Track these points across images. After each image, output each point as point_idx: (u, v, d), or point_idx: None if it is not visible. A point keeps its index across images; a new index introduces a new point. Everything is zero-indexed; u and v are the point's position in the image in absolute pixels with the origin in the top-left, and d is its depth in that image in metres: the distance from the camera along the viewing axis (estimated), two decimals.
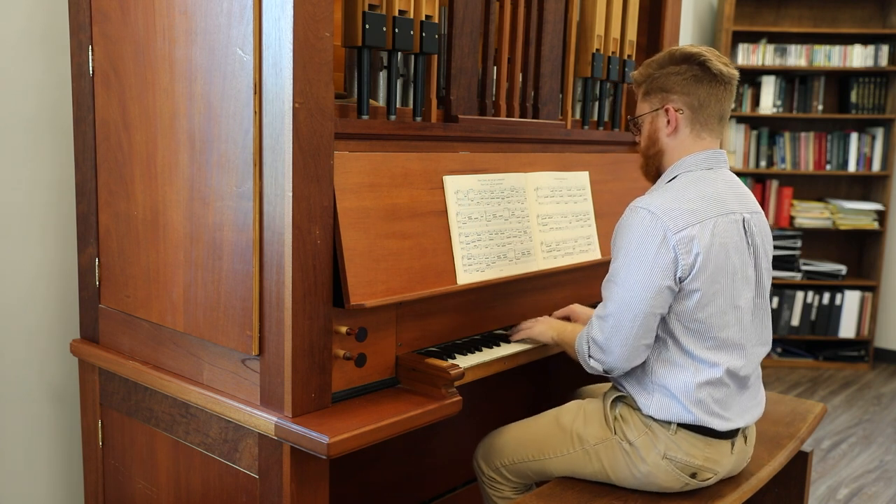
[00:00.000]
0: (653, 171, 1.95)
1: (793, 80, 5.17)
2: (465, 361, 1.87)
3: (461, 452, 2.58)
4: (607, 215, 2.45)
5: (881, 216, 5.06)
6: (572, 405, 2.01)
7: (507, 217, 2.09)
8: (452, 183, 1.95)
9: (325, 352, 1.64)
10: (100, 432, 2.08)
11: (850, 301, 5.11)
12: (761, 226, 1.89)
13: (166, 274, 1.82)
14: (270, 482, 1.65)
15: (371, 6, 1.77)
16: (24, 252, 2.14)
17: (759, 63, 5.04)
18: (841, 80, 5.21)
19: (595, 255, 2.37)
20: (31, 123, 2.12)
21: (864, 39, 5.12)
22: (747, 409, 1.88)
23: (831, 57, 5.00)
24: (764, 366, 1.99)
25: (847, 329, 5.14)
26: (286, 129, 1.53)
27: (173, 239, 1.79)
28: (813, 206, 5.13)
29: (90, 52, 1.95)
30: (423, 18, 1.87)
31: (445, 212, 1.92)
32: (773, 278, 5.05)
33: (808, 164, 5.17)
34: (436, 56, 1.95)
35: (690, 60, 1.84)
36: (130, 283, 1.93)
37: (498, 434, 2.08)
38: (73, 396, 2.28)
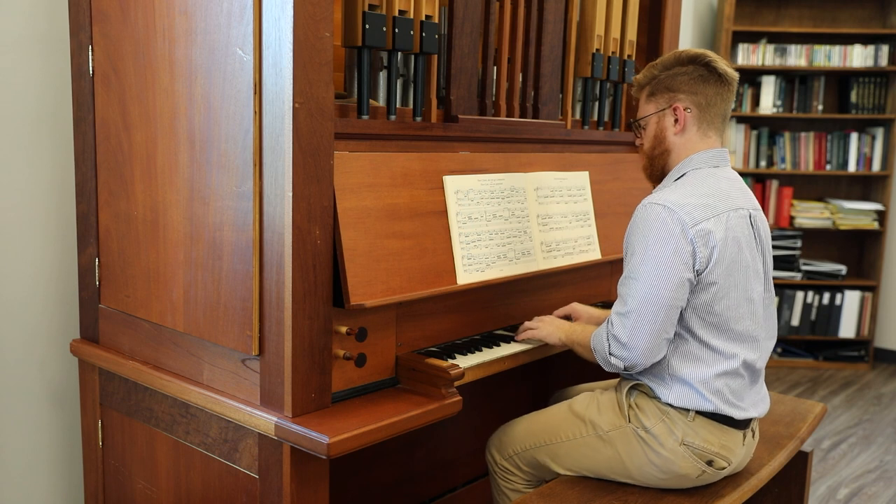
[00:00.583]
0: (658, 171, 1.97)
1: (793, 80, 5.17)
2: (465, 361, 1.87)
3: (461, 452, 2.58)
4: (607, 215, 2.45)
5: (881, 216, 5.06)
6: (585, 395, 2.02)
7: (507, 217, 2.09)
8: (452, 183, 1.95)
9: (325, 352, 1.64)
10: (100, 432, 2.08)
11: (850, 301, 5.11)
12: (764, 222, 1.94)
13: (166, 274, 1.82)
14: (270, 482, 1.65)
15: (371, 6, 1.77)
16: (24, 252, 2.14)
17: (759, 63, 5.04)
18: (841, 80, 5.21)
19: (595, 255, 2.37)
20: (31, 124, 2.12)
21: (864, 39, 5.12)
22: (756, 402, 1.91)
23: (831, 57, 5.00)
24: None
25: (847, 329, 5.14)
26: (286, 129, 1.53)
27: (173, 239, 1.79)
28: (813, 206, 5.13)
29: (90, 53, 1.95)
30: (423, 18, 1.87)
31: (445, 212, 1.92)
32: (774, 278, 5.04)
33: (808, 164, 5.17)
34: (436, 56, 1.95)
35: (696, 61, 1.89)
36: (130, 283, 1.93)
37: (511, 424, 2.10)
38: (73, 396, 2.28)
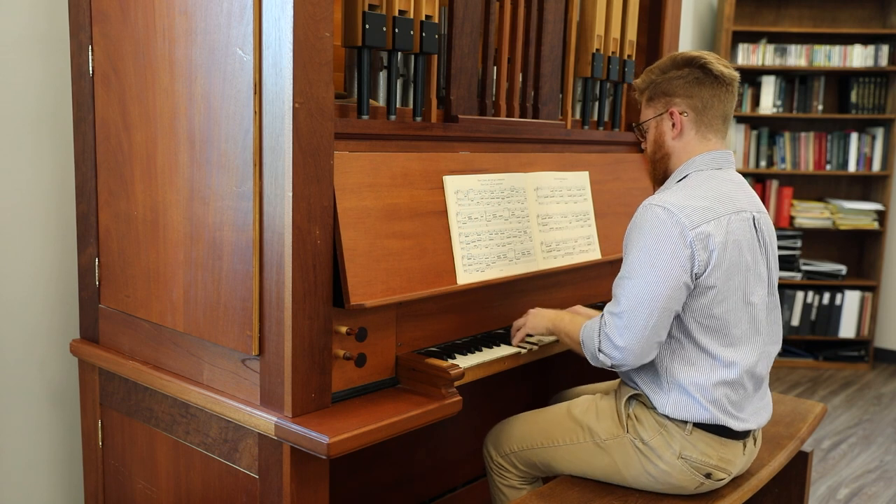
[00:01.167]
0: (660, 174, 1.97)
1: (793, 80, 5.17)
2: (465, 361, 1.87)
3: (461, 452, 2.58)
4: (607, 215, 2.45)
5: (881, 216, 5.06)
6: (584, 399, 2.01)
7: (507, 217, 2.09)
8: (452, 183, 1.95)
9: (325, 352, 1.64)
10: (100, 432, 2.08)
11: (850, 301, 5.11)
12: (768, 225, 1.92)
13: (166, 274, 1.82)
14: (270, 482, 1.65)
15: (371, 6, 1.77)
16: (24, 252, 2.14)
17: (759, 63, 5.04)
18: (841, 80, 5.21)
19: (595, 255, 2.37)
20: (31, 124, 2.12)
21: (864, 39, 5.12)
22: (758, 410, 1.90)
23: (831, 57, 5.00)
24: None
25: (847, 329, 5.14)
26: (286, 129, 1.53)
27: (173, 239, 1.79)
28: (813, 206, 5.13)
29: (90, 53, 1.95)
30: (423, 18, 1.87)
31: (445, 212, 1.92)
32: None
33: (808, 164, 5.17)
34: (436, 56, 1.95)
35: (692, 64, 1.86)
36: (130, 283, 1.93)
37: (509, 422, 2.09)
38: (73, 396, 2.28)
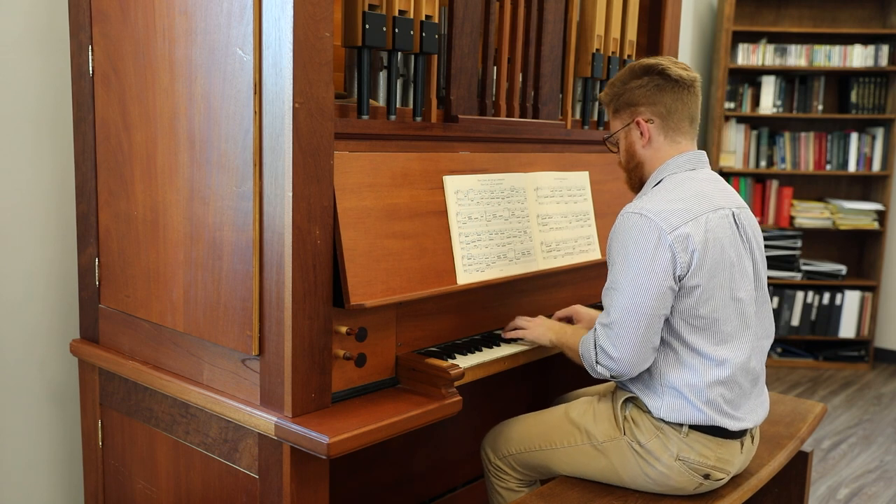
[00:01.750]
0: (636, 182, 1.99)
1: (793, 80, 5.17)
2: (465, 361, 1.87)
3: (461, 452, 2.58)
4: (607, 215, 2.45)
5: (881, 216, 5.06)
6: (582, 401, 2.01)
7: (507, 217, 2.09)
8: (452, 183, 1.95)
9: (325, 352, 1.64)
10: (100, 432, 2.08)
11: (850, 301, 5.11)
12: (750, 220, 1.92)
13: (166, 274, 1.82)
14: (270, 482, 1.65)
15: (371, 6, 1.77)
16: (24, 252, 2.14)
17: (759, 63, 5.04)
18: (841, 80, 5.21)
19: (595, 255, 2.37)
20: (31, 124, 2.12)
21: (864, 39, 5.12)
22: (754, 407, 1.90)
23: (831, 57, 5.00)
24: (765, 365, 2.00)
25: (847, 329, 5.13)
26: (286, 129, 1.53)
27: (173, 239, 1.79)
28: (813, 206, 5.13)
29: (90, 53, 1.95)
30: (423, 18, 1.87)
31: (445, 212, 1.92)
32: (774, 278, 5.05)
33: (808, 164, 5.17)
34: (436, 56, 1.95)
35: (651, 71, 1.88)
36: (130, 283, 1.93)
37: (507, 424, 2.09)
38: (73, 396, 2.28)
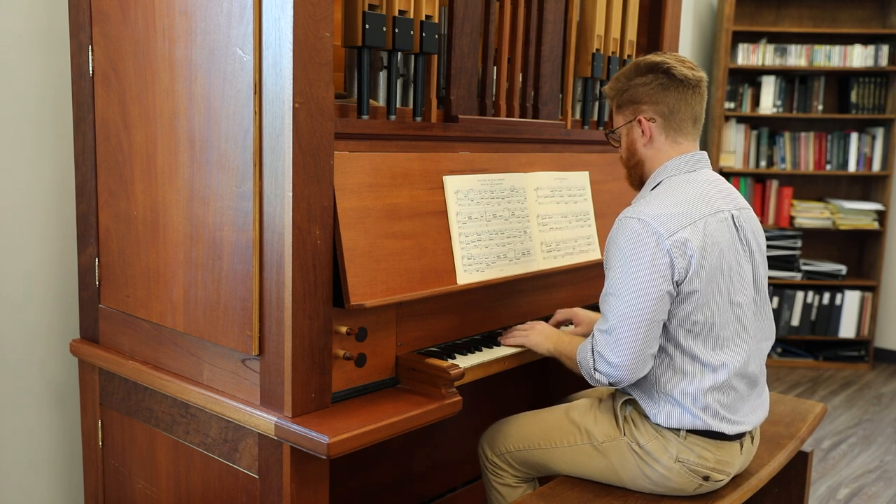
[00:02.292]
0: (636, 180, 1.97)
1: (793, 80, 5.17)
2: (465, 361, 1.87)
3: (461, 452, 2.58)
4: (607, 215, 2.45)
5: (881, 216, 5.06)
6: (583, 402, 2.01)
7: (507, 217, 2.09)
8: (452, 183, 1.95)
9: (325, 352, 1.64)
10: (100, 432, 2.08)
11: (850, 301, 5.11)
12: (751, 221, 1.90)
13: (166, 274, 1.82)
14: (270, 482, 1.65)
15: (371, 6, 1.77)
16: (24, 252, 2.14)
17: (759, 63, 5.04)
18: (841, 80, 5.21)
19: (595, 255, 2.37)
20: (31, 124, 2.12)
21: (864, 39, 5.12)
22: (753, 410, 1.89)
23: (831, 57, 5.00)
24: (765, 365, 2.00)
25: (847, 329, 5.14)
26: (286, 129, 1.53)
27: (173, 239, 1.79)
28: (813, 206, 5.14)
29: (90, 53, 1.95)
30: (423, 18, 1.87)
31: (445, 212, 1.92)
32: (774, 278, 5.06)
33: (808, 164, 5.17)
34: (436, 56, 1.95)
35: (656, 69, 1.85)
36: (130, 283, 1.93)
37: (505, 422, 2.09)
38: (73, 396, 2.28)
